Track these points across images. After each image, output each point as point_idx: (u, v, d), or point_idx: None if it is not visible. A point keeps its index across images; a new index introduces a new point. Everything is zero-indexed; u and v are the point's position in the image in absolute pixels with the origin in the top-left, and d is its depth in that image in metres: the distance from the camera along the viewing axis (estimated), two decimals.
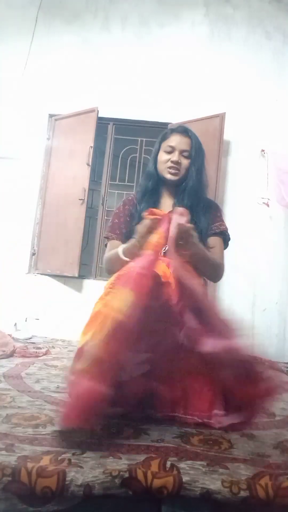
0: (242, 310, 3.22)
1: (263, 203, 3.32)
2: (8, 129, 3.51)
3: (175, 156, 1.47)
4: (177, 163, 1.47)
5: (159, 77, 3.52)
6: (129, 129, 3.63)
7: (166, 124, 3.45)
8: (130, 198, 1.62)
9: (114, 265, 1.37)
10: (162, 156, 1.50)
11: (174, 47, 3.57)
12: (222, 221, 1.56)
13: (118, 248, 1.38)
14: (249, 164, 3.42)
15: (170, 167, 1.47)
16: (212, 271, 1.43)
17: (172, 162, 1.47)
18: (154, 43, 3.59)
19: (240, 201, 3.39)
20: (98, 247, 3.51)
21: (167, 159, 1.48)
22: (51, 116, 3.57)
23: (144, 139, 3.64)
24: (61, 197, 3.39)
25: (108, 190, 3.60)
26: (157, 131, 3.57)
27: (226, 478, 0.79)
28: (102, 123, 3.50)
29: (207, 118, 3.29)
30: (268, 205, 3.31)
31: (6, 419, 1.04)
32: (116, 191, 3.75)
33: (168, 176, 1.48)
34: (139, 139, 3.65)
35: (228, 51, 3.55)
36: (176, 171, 1.48)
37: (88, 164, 3.33)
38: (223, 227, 1.53)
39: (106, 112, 3.45)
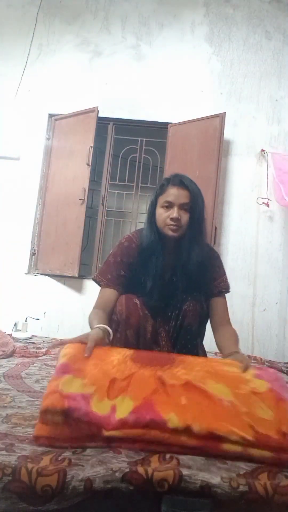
0: (242, 310, 3.23)
1: (263, 203, 3.32)
2: (8, 129, 3.51)
3: (174, 213, 1.38)
4: (177, 219, 1.39)
5: (159, 77, 3.52)
6: (129, 129, 3.63)
7: (166, 124, 3.46)
8: (131, 246, 1.51)
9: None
10: (161, 213, 1.42)
11: (174, 47, 3.57)
12: (224, 274, 1.54)
13: (95, 324, 1.31)
14: (249, 164, 3.42)
15: (170, 225, 1.40)
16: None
17: (172, 219, 1.39)
18: (154, 43, 3.59)
19: (240, 201, 3.39)
20: (98, 247, 3.51)
21: (167, 216, 1.40)
22: (51, 116, 3.57)
23: (144, 139, 3.64)
24: (61, 197, 3.39)
25: (108, 190, 3.60)
26: (157, 131, 3.59)
27: (225, 475, 0.79)
28: (102, 123, 3.50)
29: (207, 118, 3.29)
30: (268, 205, 3.31)
31: (6, 419, 1.04)
32: (116, 191, 3.75)
33: (170, 234, 1.41)
34: (139, 139, 3.65)
35: (228, 51, 3.55)
36: (177, 228, 1.40)
37: (88, 164, 3.33)
38: (224, 284, 1.52)
39: (106, 112, 3.45)
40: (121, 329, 1.43)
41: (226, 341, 1.41)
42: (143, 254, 1.49)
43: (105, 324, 1.31)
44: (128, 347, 1.37)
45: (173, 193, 1.41)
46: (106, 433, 0.88)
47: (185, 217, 1.40)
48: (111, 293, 1.47)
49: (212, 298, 1.50)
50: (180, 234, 1.42)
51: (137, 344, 1.42)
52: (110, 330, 1.31)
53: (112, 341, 1.42)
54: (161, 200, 1.43)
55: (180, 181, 1.42)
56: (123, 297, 1.45)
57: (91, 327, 1.32)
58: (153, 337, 1.47)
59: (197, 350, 1.48)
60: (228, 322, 1.50)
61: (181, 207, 1.40)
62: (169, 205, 1.41)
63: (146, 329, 1.44)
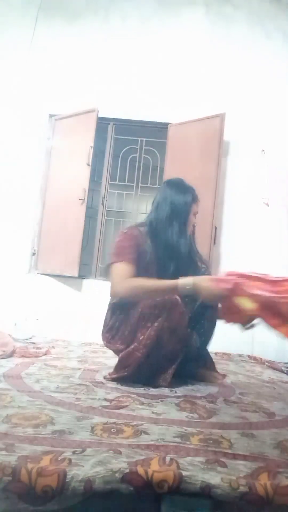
0: None
1: (263, 203, 3.31)
2: (8, 129, 3.51)
3: (195, 222, 1.77)
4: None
5: (159, 77, 3.52)
6: (129, 129, 3.63)
7: (166, 124, 3.46)
8: (134, 234, 1.63)
9: (147, 295, 1.51)
10: (191, 219, 1.71)
11: (174, 47, 3.57)
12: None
13: (171, 281, 1.48)
14: (249, 164, 3.42)
15: (192, 231, 1.76)
16: None
17: (194, 227, 1.77)
18: (154, 43, 3.59)
19: (240, 201, 3.39)
20: (98, 247, 3.51)
21: (193, 222, 1.74)
22: (51, 116, 3.57)
23: (144, 139, 3.64)
24: (61, 197, 3.39)
25: (108, 190, 3.60)
26: (157, 131, 3.59)
27: (225, 476, 0.79)
28: (102, 123, 3.51)
29: (207, 118, 3.30)
30: (268, 205, 3.31)
31: (6, 419, 1.04)
32: (116, 191, 3.75)
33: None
34: (139, 139, 3.65)
35: (228, 51, 3.55)
36: None
37: (88, 164, 3.33)
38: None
39: (106, 112, 3.45)
40: (161, 319, 1.52)
41: None
42: (162, 249, 1.63)
43: None
44: (162, 337, 1.53)
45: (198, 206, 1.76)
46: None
47: None
48: (131, 269, 1.54)
49: None
50: None
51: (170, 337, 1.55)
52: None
53: (150, 329, 1.52)
54: (195, 208, 1.72)
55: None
56: None
57: (158, 289, 1.49)
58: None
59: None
60: None
61: None
62: (195, 214, 1.73)
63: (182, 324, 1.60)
